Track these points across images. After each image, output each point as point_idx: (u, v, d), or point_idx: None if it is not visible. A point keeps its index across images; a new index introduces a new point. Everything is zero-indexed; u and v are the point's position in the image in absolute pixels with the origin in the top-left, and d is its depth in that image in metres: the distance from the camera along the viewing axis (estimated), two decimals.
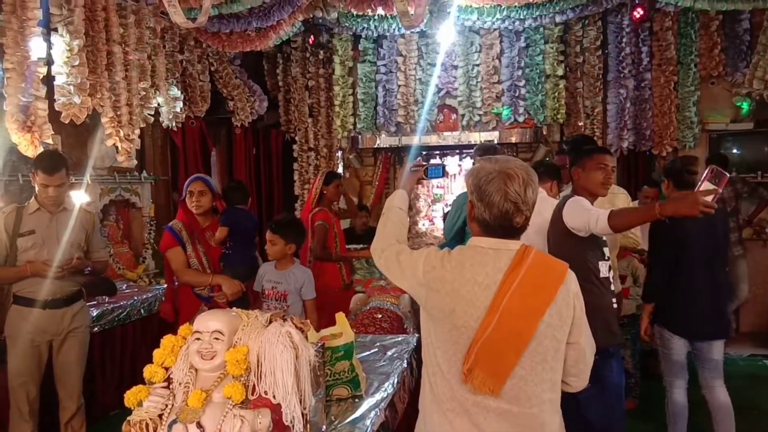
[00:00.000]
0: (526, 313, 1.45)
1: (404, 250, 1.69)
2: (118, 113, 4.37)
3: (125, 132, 4.43)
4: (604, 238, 2.63)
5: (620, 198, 3.72)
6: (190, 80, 5.51)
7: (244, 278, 3.44)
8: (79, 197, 4.08)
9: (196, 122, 5.62)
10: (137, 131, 4.60)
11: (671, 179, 3.22)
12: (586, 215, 2.43)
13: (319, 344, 1.94)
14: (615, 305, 2.65)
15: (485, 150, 3.74)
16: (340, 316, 2.14)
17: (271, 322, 1.47)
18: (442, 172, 2.15)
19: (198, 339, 1.40)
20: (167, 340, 1.47)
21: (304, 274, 3.26)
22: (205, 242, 3.49)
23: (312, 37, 4.90)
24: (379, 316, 3.32)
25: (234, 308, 1.56)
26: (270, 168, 6.94)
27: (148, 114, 4.77)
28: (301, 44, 6.60)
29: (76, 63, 3.93)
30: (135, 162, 4.87)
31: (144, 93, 4.71)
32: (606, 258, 2.62)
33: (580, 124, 6.09)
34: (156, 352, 1.46)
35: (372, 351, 2.66)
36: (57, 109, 3.87)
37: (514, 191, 1.49)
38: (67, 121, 3.92)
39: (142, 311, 4.32)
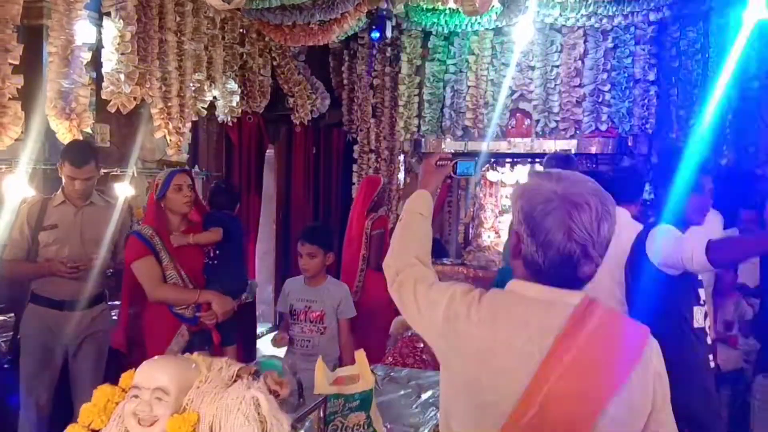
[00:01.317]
0: (582, 399, 1.01)
1: (426, 278, 1.28)
2: (169, 104, 4.19)
3: (175, 124, 4.25)
4: (700, 276, 2.12)
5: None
6: (250, 74, 5.30)
7: (235, 294, 2.97)
8: (123, 190, 3.91)
9: (253, 118, 5.41)
10: (189, 124, 4.42)
11: None
12: (678, 247, 1.94)
13: (332, 391, 1.57)
14: (712, 362, 2.13)
15: (558, 161, 3.26)
16: (359, 355, 1.77)
17: (236, 379, 1.10)
18: (474, 168, 1.72)
19: (136, 396, 1.06)
20: (101, 393, 1.14)
21: (341, 290, 2.92)
22: (181, 252, 2.79)
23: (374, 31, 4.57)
24: (421, 345, 2.90)
25: (196, 354, 1.20)
26: (329, 169, 6.67)
27: (202, 107, 4.59)
28: (368, 40, 6.28)
29: (128, 50, 3.77)
30: (186, 156, 4.71)
31: (198, 85, 4.53)
32: (702, 302, 2.10)
33: (672, 135, 5.42)
34: (83, 409, 1.13)
35: (405, 391, 2.27)
36: (104, 97, 3.72)
37: (583, 228, 1.06)
38: (113, 110, 3.77)
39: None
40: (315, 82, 6.10)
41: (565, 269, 1.08)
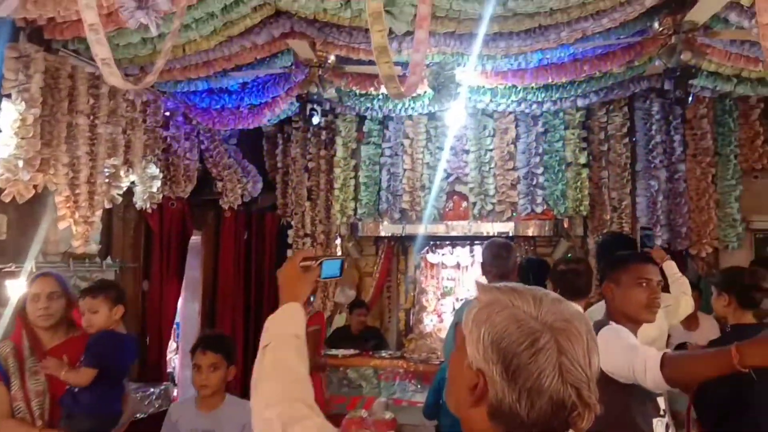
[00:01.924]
0: None
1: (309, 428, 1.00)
2: (76, 192, 3.84)
3: (83, 213, 3.88)
4: None
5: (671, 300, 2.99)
6: (174, 158, 5.03)
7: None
8: (17, 289, 3.46)
9: (177, 203, 5.08)
10: (99, 212, 4.05)
11: (735, 296, 2.52)
12: (629, 357, 1.73)
13: None
14: None
15: (499, 248, 3.07)
16: None
17: None
18: (340, 268, 1.44)
19: None
20: None
21: (244, 411, 2.34)
22: (47, 374, 2.36)
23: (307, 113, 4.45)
24: None
25: None
26: (262, 255, 6.33)
27: (117, 193, 4.25)
28: (303, 124, 6.17)
29: (29, 135, 3.45)
30: (96, 247, 4.31)
31: (114, 170, 4.21)
32: (662, 413, 1.88)
33: (606, 217, 5.43)
34: None
35: None
36: None
37: (578, 364, 0.83)
38: (8, 200, 3.40)
39: None
40: (246, 165, 5.88)
41: (554, 419, 0.83)
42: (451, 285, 6.71)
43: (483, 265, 3.07)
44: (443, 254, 6.69)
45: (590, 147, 5.50)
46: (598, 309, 2.76)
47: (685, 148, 5.32)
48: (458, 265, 6.65)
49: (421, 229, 5.72)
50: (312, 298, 4.03)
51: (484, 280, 3.19)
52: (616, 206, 5.43)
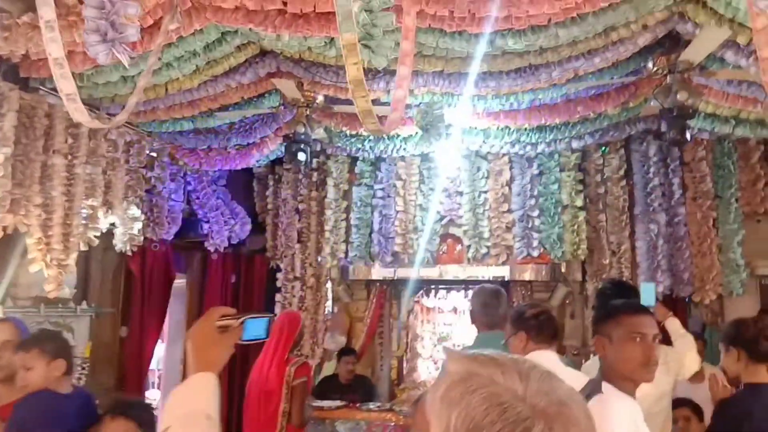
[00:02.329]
0: None
1: None
2: (49, 234, 3.68)
3: (56, 256, 3.72)
4: None
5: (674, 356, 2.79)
6: (158, 199, 4.89)
7: None
8: None
9: (160, 245, 4.92)
10: (74, 255, 3.88)
11: (743, 349, 2.32)
12: None
13: None
14: None
15: (488, 296, 2.87)
16: None
17: None
18: (267, 329, 1.22)
19: None
20: None
21: None
22: None
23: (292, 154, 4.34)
24: None
25: None
26: (250, 298, 6.14)
27: (94, 235, 4.09)
28: (294, 166, 6.05)
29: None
30: (71, 291, 4.12)
31: (91, 212, 4.06)
32: None
33: (605, 262, 5.25)
34: None
35: None
36: None
37: None
38: None
39: None
40: (234, 207, 5.75)
41: None
42: (447, 330, 6.48)
43: (472, 313, 2.87)
44: (439, 298, 6.48)
45: (587, 189, 5.35)
46: (593, 365, 2.56)
47: (685, 191, 5.17)
48: (455, 310, 6.43)
49: (414, 273, 5.53)
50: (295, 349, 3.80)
51: (472, 330, 2.98)
52: (615, 250, 5.25)
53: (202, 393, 1.00)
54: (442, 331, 6.49)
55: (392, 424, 4.26)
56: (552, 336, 2.54)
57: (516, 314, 2.53)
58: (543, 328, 2.50)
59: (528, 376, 0.68)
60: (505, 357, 0.72)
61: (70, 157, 3.87)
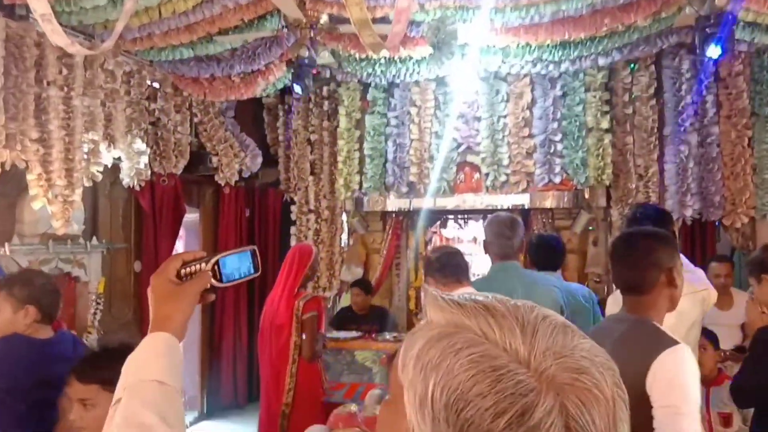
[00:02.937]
0: None
1: None
2: (49, 169, 3.57)
3: (60, 192, 3.62)
4: None
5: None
6: (164, 132, 4.73)
7: None
8: None
9: (169, 180, 4.80)
10: (78, 191, 3.78)
11: None
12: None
13: None
14: None
15: (501, 225, 2.68)
16: None
17: None
18: (253, 263, 1.00)
19: None
20: None
21: None
22: None
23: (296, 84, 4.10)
24: None
25: None
26: (265, 232, 6.07)
27: (97, 170, 3.98)
28: (303, 94, 5.80)
29: None
30: (80, 227, 4.06)
31: (93, 146, 3.93)
32: None
33: (631, 186, 5.00)
34: None
35: None
36: None
37: None
38: None
39: None
40: (244, 139, 5.57)
41: None
42: (467, 260, 6.38)
43: (485, 243, 2.69)
44: (458, 228, 6.35)
45: (613, 110, 5.03)
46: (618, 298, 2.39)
47: (719, 109, 4.83)
48: (474, 240, 6.30)
49: (430, 203, 5.36)
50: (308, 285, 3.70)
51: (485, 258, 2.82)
52: (642, 174, 4.99)
53: (153, 357, 0.85)
54: None
55: None
56: (457, 275, 2.41)
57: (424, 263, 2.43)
58: (444, 269, 2.39)
59: (535, 329, 0.49)
60: (504, 303, 0.52)
61: (66, 89, 3.71)
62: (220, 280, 0.96)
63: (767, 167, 4.68)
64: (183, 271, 0.94)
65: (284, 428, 3.39)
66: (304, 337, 3.44)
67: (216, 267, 0.95)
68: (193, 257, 0.96)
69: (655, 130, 4.94)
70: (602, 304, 3.09)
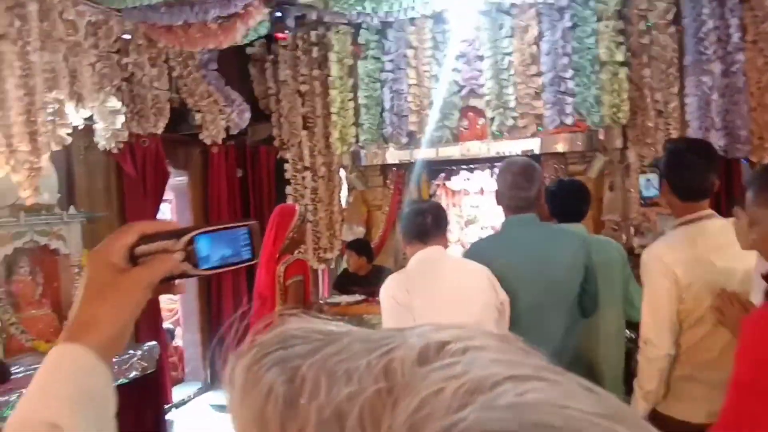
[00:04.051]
0: None
1: None
2: (9, 134, 3.22)
3: (23, 158, 3.28)
4: None
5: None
6: (139, 89, 4.35)
7: None
8: None
9: (150, 141, 4.44)
10: (45, 156, 3.44)
11: None
12: None
13: None
14: None
15: (516, 175, 2.27)
16: None
17: None
18: (250, 246, 0.68)
19: None
20: None
21: None
22: None
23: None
24: None
25: None
26: (260, 194, 5.73)
27: (66, 133, 3.62)
28: (292, 41, 5.38)
29: None
30: (51, 196, 3.73)
31: (58, 106, 3.56)
32: None
33: (650, 124, 4.61)
34: None
35: None
36: None
37: None
38: None
39: None
40: (230, 93, 5.17)
41: None
42: (474, 213, 6.07)
43: (497, 194, 2.32)
44: (464, 180, 6.01)
45: (628, 41, 4.60)
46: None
47: (744, 33, 4.39)
48: (482, 191, 5.97)
49: (433, 154, 5.00)
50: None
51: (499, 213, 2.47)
52: (662, 110, 4.60)
53: (51, 385, 0.54)
54: (469, 214, 6.10)
55: None
56: (418, 235, 2.10)
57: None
58: (407, 228, 2.17)
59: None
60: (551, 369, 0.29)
61: (20, 42, 3.31)
62: (196, 266, 0.65)
63: None
64: (139, 249, 0.63)
65: None
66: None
67: (191, 246, 0.65)
68: (157, 229, 0.65)
69: (675, 61, 4.52)
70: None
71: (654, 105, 4.61)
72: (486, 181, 5.81)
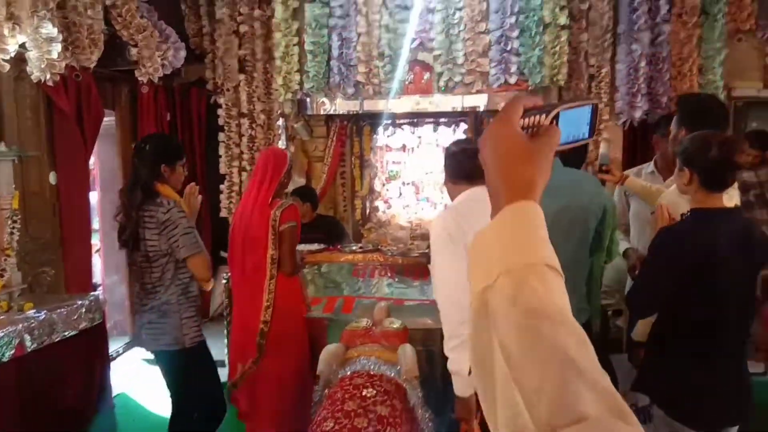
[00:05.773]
0: None
1: None
2: None
3: None
4: None
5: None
6: (75, 16, 3.89)
7: None
8: None
9: (83, 76, 4.01)
10: None
11: (695, 173, 2.00)
12: None
13: None
14: None
15: (461, 159, 2.24)
16: None
17: None
18: (591, 123, 0.72)
19: None
20: None
21: None
22: None
23: None
24: (371, 393, 2.00)
25: None
26: (191, 139, 5.41)
27: (2, 59, 3.18)
28: None
29: None
30: None
31: None
32: None
33: (582, 86, 4.95)
34: None
35: None
36: None
37: None
38: None
39: None
40: (165, 28, 4.77)
41: None
42: (396, 169, 6.18)
43: (460, 172, 2.28)
44: (389, 135, 6.07)
45: (570, 5, 4.86)
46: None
47: (671, 6, 4.82)
48: (404, 147, 6.07)
49: (383, 105, 5.00)
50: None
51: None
52: (594, 74, 4.95)
53: (534, 233, 0.61)
54: (391, 170, 6.20)
55: (379, 264, 4.00)
56: (472, 174, 2.18)
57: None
58: (452, 167, 2.25)
59: None
60: None
61: None
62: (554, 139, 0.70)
63: (712, 68, 4.80)
64: (523, 121, 0.68)
65: (262, 347, 3.10)
66: (280, 250, 3.09)
67: (554, 122, 0.69)
68: (533, 104, 0.69)
69: (610, 27, 4.86)
70: None
71: (588, 69, 4.94)
72: (409, 138, 5.91)
